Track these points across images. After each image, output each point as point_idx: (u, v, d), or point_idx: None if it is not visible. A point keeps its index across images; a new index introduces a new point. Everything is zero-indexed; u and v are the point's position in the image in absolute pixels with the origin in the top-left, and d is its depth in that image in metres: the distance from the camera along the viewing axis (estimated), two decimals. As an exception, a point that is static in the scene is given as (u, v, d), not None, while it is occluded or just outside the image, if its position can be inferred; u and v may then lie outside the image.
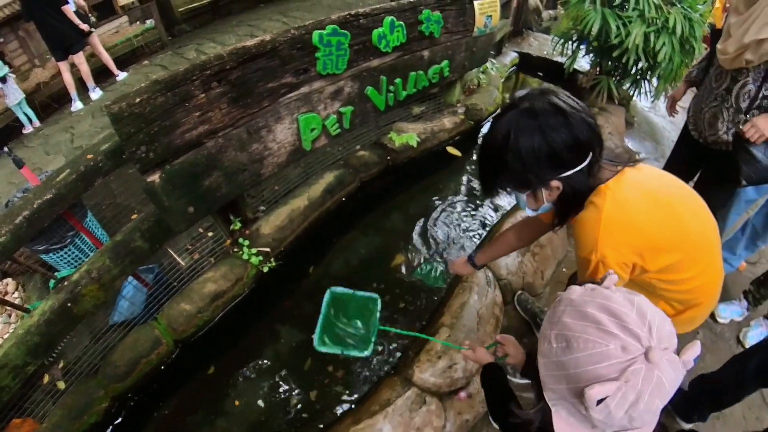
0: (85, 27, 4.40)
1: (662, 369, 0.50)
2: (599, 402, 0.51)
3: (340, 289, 1.62)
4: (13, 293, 2.56)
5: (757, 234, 1.97)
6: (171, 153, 1.53)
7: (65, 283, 1.65)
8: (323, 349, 1.48)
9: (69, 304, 1.64)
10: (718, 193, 1.74)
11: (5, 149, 2.23)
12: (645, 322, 0.53)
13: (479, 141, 0.78)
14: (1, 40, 5.18)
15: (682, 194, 0.91)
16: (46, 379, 1.91)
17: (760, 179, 1.46)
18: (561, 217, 0.92)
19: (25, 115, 4.65)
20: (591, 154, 0.79)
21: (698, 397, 1.54)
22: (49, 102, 5.09)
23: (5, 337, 1.97)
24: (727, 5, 2.74)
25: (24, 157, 4.12)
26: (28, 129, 4.67)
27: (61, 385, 1.87)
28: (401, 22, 2.25)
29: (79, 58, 4.62)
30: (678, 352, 0.55)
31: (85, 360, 1.91)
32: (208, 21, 7.47)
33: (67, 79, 4.62)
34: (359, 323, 1.56)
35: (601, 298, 0.58)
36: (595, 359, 0.52)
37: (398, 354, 1.86)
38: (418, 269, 2.17)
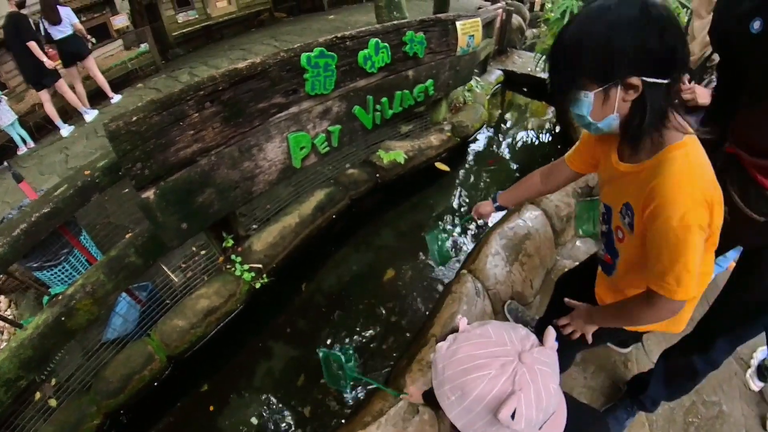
0: (49, 64, 4.42)
1: (538, 362, 0.59)
2: (513, 416, 0.57)
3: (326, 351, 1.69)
4: (6, 310, 2.55)
5: None
6: (165, 170, 1.58)
7: (60, 297, 1.66)
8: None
9: (63, 318, 1.65)
10: None
11: (5, 163, 2.26)
12: (504, 338, 0.62)
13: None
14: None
15: None
16: (38, 396, 1.89)
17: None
18: (630, 133, 0.78)
19: (19, 135, 4.69)
20: (681, 72, 0.72)
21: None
22: (44, 123, 5.14)
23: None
24: None
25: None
26: (22, 150, 4.70)
27: (53, 402, 1.85)
28: (386, 44, 2.36)
29: (61, 88, 4.70)
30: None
31: (78, 377, 1.89)
32: (200, 45, 7.68)
33: (49, 108, 4.71)
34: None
35: (464, 341, 0.65)
36: (488, 388, 0.59)
37: (387, 369, 1.88)
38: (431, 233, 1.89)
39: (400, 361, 1.81)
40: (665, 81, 0.71)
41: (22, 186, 2.15)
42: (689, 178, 0.71)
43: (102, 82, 5.17)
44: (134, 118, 1.43)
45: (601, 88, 0.73)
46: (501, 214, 2.30)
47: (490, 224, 2.27)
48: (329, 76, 2.10)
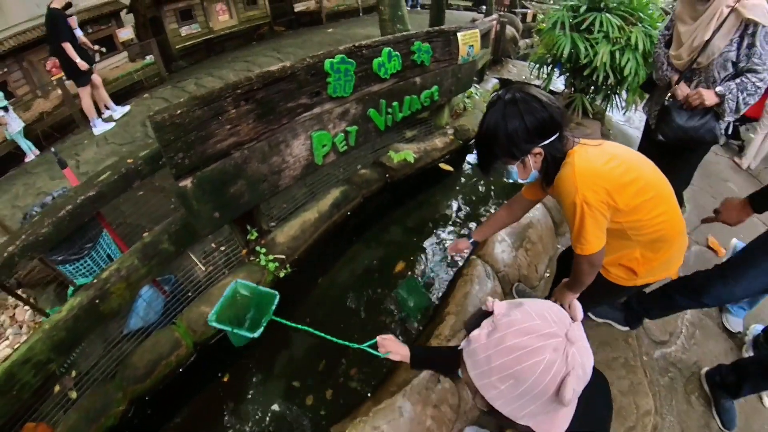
0: (83, 65, 4.51)
1: (582, 338, 0.62)
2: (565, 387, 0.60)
3: (244, 282, 1.79)
4: (25, 306, 2.60)
5: None
6: (203, 161, 1.72)
7: (94, 281, 1.75)
8: (214, 324, 1.64)
9: (97, 301, 1.72)
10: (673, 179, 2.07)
11: (52, 149, 2.35)
12: (549, 320, 0.63)
13: (477, 130, 1.07)
14: (5, 70, 5.37)
15: (638, 155, 1.15)
16: (57, 389, 1.91)
17: (672, 137, 1.93)
18: (547, 178, 1.13)
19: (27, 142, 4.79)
20: (562, 128, 1.05)
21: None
22: (51, 132, 5.24)
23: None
24: None
25: (28, 182, 4.24)
26: (29, 157, 4.79)
27: (73, 395, 1.89)
28: (397, 53, 2.56)
29: (81, 93, 4.79)
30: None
31: (98, 368, 1.94)
32: (203, 58, 7.89)
33: (86, 103, 4.80)
34: (254, 312, 1.75)
35: (508, 326, 0.64)
36: (546, 373, 0.59)
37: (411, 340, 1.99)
38: (402, 287, 2.23)
39: (419, 339, 1.93)
40: (555, 136, 1.04)
41: (66, 172, 2.25)
42: (572, 176, 1.04)
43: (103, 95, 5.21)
44: (178, 111, 1.57)
45: (518, 161, 1.08)
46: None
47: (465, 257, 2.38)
48: (349, 81, 2.27)
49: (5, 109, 4.47)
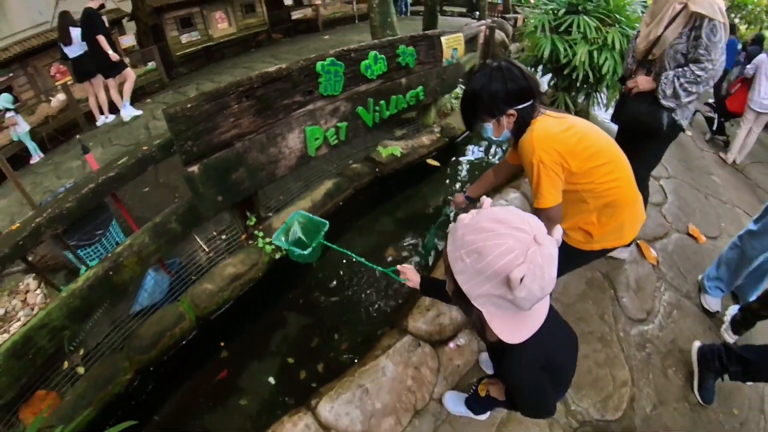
0: (114, 56, 4.95)
1: (549, 246, 0.68)
2: (521, 281, 0.65)
3: (303, 213, 1.99)
4: (35, 290, 2.78)
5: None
6: (209, 149, 1.95)
7: (109, 255, 1.95)
8: (277, 242, 1.83)
9: (111, 272, 1.91)
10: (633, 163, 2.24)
11: (77, 137, 2.57)
12: (524, 220, 0.69)
13: (462, 91, 1.34)
14: (11, 74, 5.59)
15: (597, 130, 1.30)
16: (66, 365, 2.01)
17: (625, 122, 2.15)
18: (515, 138, 1.32)
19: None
20: (535, 98, 1.24)
21: None
22: (55, 135, 5.44)
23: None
24: None
25: (35, 182, 4.45)
26: (35, 159, 4.99)
27: (81, 370, 1.98)
28: (383, 56, 2.81)
29: (110, 83, 5.22)
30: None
31: (106, 344, 2.06)
32: (202, 65, 8.13)
33: (114, 95, 5.30)
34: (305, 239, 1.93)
35: (488, 214, 0.72)
36: (503, 255, 0.65)
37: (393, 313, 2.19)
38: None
39: (404, 307, 2.15)
40: (529, 103, 1.24)
41: (88, 158, 2.46)
42: (531, 139, 1.24)
43: (103, 101, 5.41)
44: (189, 105, 1.80)
45: (494, 120, 1.28)
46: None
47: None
48: (338, 81, 2.51)
49: (15, 111, 4.69)
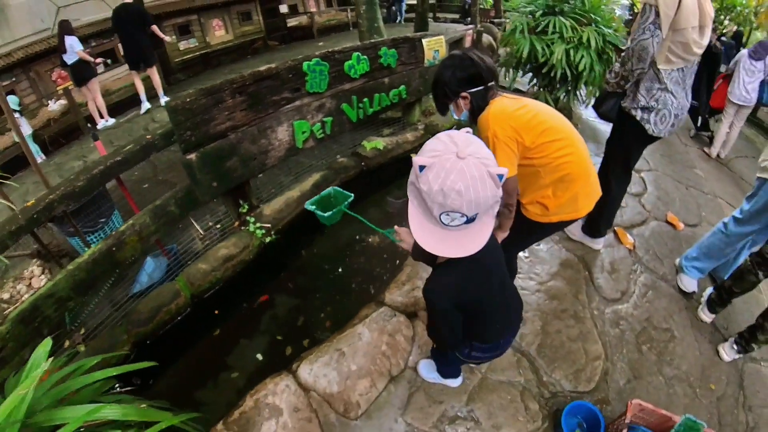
0: (166, 38, 5.71)
1: (467, 164, 0.75)
2: (422, 171, 0.76)
3: (337, 189, 2.07)
4: (40, 276, 2.95)
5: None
6: (206, 139, 2.17)
7: (113, 233, 2.14)
8: (309, 207, 1.91)
9: (114, 249, 2.09)
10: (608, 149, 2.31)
11: (89, 125, 2.78)
12: (467, 141, 0.79)
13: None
14: (14, 79, 5.81)
15: (553, 111, 1.42)
16: (67, 344, 2.05)
17: (600, 114, 2.27)
18: (473, 117, 1.44)
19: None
20: (487, 83, 1.36)
21: None
22: (57, 137, 5.65)
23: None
24: None
25: (38, 181, 4.62)
26: (38, 160, 5.18)
27: (81, 348, 2.01)
28: (365, 57, 3.06)
29: (152, 71, 5.82)
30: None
31: (105, 325, 2.14)
32: (200, 71, 8.38)
33: (138, 85, 5.81)
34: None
35: (446, 132, 0.84)
36: (426, 150, 0.80)
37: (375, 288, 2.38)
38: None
39: (385, 282, 2.37)
40: (481, 88, 1.37)
41: (97, 145, 2.67)
42: (487, 116, 1.37)
43: (101, 104, 5.67)
44: (188, 99, 2.03)
45: (452, 102, 1.43)
46: None
47: None
48: (323, 79, 2.75)
49: (20, 113, 4.90)
